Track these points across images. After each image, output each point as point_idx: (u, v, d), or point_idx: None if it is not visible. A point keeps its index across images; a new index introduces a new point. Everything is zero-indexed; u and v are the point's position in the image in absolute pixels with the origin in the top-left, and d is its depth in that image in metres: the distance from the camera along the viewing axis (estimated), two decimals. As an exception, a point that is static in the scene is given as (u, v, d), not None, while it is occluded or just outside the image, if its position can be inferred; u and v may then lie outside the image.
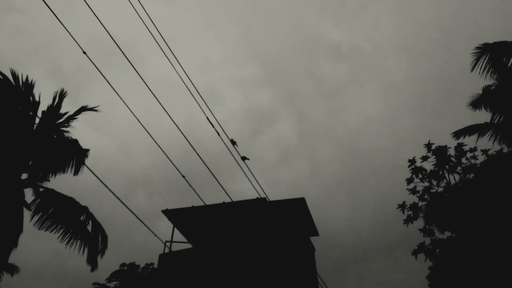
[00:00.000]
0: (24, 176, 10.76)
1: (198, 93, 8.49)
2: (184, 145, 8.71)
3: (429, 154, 8.45)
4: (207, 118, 8.65)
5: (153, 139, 8.17)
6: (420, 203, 8.50)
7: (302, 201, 12.80)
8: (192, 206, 11.56)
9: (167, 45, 7.86)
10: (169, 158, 7.70)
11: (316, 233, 14.54)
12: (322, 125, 40.55)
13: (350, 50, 39.61)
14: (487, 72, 9.68)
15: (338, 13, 39.06)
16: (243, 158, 8.90)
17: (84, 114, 11.79)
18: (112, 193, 8.83)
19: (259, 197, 11.69)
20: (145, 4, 7.25)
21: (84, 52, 5.48)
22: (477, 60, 9.80)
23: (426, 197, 8.42)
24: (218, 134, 8.76)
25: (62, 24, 6.54)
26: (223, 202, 11.62)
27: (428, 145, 8.43)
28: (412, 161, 8.56)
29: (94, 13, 6.89)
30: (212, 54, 38.17)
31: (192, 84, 8.44)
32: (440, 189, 8.27)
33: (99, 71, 7.17)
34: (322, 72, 40.01)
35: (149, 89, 7.96)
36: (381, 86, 41.36)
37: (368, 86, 41.01)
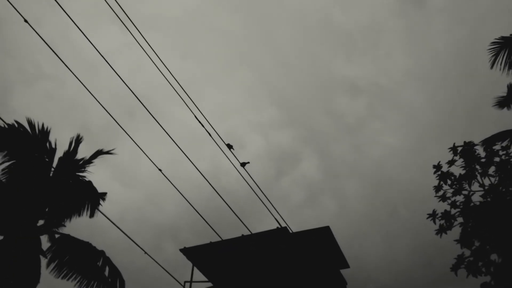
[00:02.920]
0: (40, 222, 10.63)
1: (220, 138, 8.36)
2: (210, 192, 8.63)
3: (456, 158, 7.70)
4: (229, 159, 8.44)
5: (174, 186, 7.94)
6: (453, 211, 7.62)
7: (327, 230, 12.04)
8: (210, 242, 11.07)
9: (188, 95, 7.90)
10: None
11: (346, 265, 13.56)
12: (345, 161, 39.69)
13: (366, 85, 39.60)
14: (509, 68, 9.17)
15: (349, 49, 39.54)
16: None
17: (112, 169, 11.88)
18: (123, 232, 8.51)
19: (280, 226, 11.09)
20: (162, 59, 7.47)
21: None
22: (496, 55, 9.34)
23: (458, 203, 7.58)
24: (243, 177, 8.55)
25: (86, 88, 6.82)
26: (242, 235, 11.08)
27: (454, 148, 7.68)
28: (437, 167, 7.76)
29: (116, 72, 7.15)
30: (230, 101, 38.97)
31: (214, 130, 8.34)
32: (472, 193, 7.45)
33: (120, 126, 7.24)
34: (340, 108, 39.87)
35: (173, 140, 7.89)
36: (401, 117, 40.65)
37: (388, 118, 40.36)
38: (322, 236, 12.18)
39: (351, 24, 38.65)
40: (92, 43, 6.73)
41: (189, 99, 7.90)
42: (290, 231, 11.34)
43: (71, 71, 6.54)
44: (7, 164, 10.57)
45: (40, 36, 6.12)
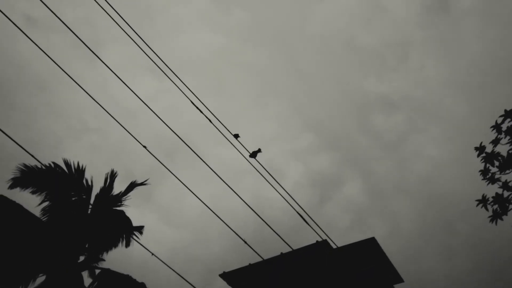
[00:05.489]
0: (80, 258, 10.74)
1: (264, 168, 8.28)
2: (253, 224, 8.59)
3: (501, 136, 6.87)
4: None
5: (214, 213, 7.88)
6: (506, 193, 6.73)
7: (372, 242, 11.19)
8: (249, 264, 10.61)
9: (227, 129, 7.94)
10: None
11: (400, 280, 12.42)
12: (391, 179, 37.90)
13: (401, 100, 38.38)
14: None
15: (380, 67, 38.92)
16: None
17: (159, 213, 12.04)
18: (158, 259, 8.33)
19: (319, 240, 10.49)
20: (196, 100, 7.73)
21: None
22: None
23: (511, 184, 6.68)
24: (287, 202, 8.34)
25: (129, 133, 7.20)
26: (281, 253, 10.56)
27: (497, 126, 6.85)
28: (481, 149, 6.93)
29: (158, 117, 7.58)
30: (266, 132, 39.11)
31: (257, 160, 8.28)
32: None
33: (163, 164, 7.44)
34: (378, 127, 38.66)
35: (216, 173, 7.99)
36: (443, 128, 38.65)
37: (429, 131, 38.49)
38: (368, 249, 11.33)
39: (376, 42, 38.30)
40: (134, 92, 7.20)
41: (227, 131, 7.88)
42: (335, 246, 10.65)
43: (113, 118, 6.94)
44: (46, 203, 10.91)
45: (85, 91, 6.60)
